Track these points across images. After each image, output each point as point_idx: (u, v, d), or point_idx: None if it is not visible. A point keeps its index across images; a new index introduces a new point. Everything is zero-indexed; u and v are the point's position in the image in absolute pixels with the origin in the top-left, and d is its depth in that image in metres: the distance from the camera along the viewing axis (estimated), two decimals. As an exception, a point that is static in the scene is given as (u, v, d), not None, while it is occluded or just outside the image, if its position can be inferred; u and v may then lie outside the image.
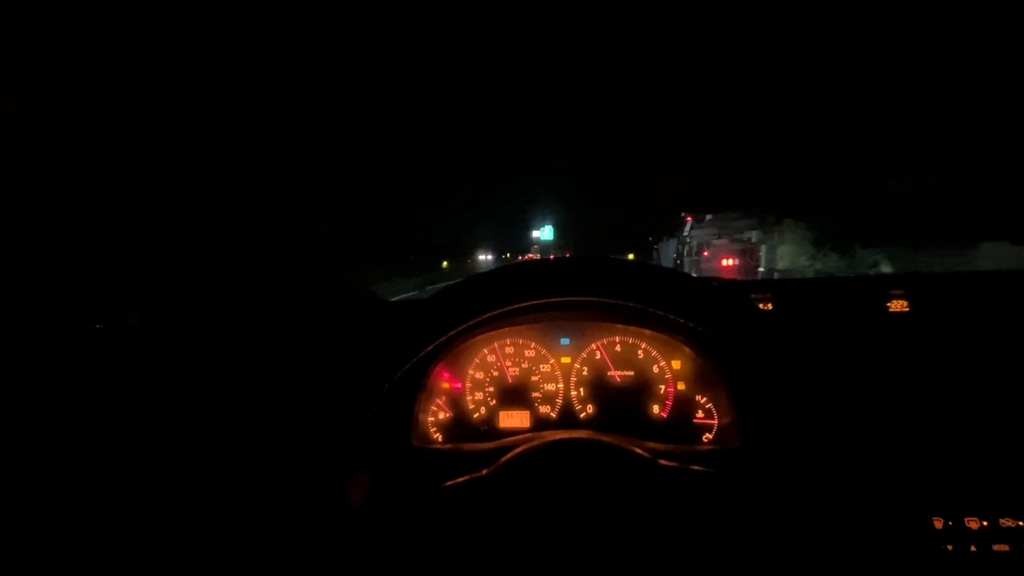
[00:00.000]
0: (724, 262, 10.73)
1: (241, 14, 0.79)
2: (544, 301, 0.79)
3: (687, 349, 0.91)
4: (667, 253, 14.29)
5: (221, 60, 0.79)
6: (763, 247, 10.94)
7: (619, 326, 0.94)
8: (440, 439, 0.94)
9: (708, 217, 12.92)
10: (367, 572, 0.66)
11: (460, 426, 0.95)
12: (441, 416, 0.95)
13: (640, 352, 0.94)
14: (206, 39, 0.77)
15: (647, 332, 0.93)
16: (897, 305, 1.03)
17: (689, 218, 13.30)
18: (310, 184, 0.93)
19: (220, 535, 0.70)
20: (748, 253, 10.74)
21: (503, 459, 0.69)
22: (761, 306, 1.05)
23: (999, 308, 0.99)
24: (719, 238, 11.54)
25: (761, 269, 10.73)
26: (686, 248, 12.55)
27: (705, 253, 11.55)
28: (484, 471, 0.69)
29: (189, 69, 0.77)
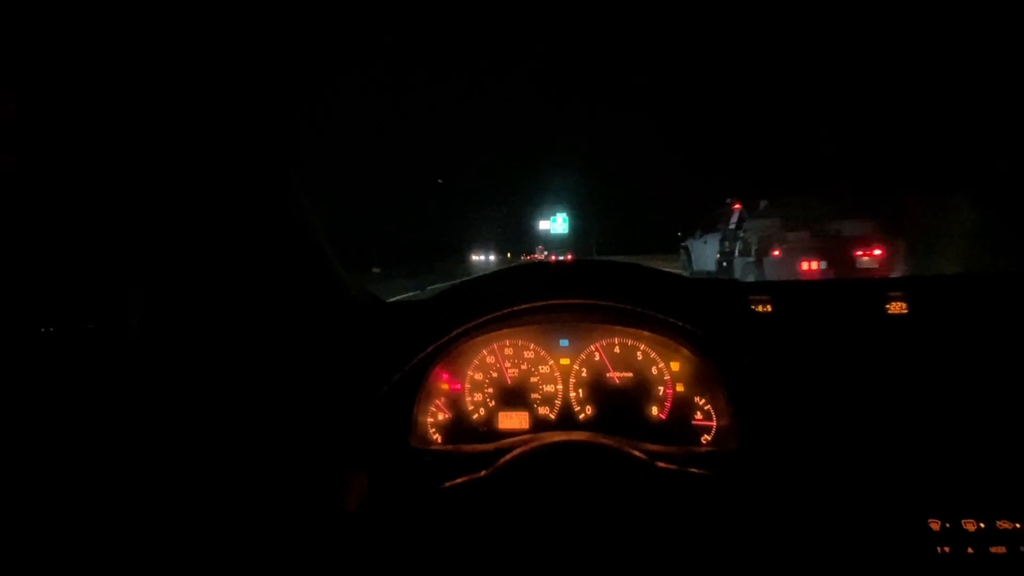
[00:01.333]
0: (806, 265, 7.34)
1: (242, 14, 0.79)
2: (543, 304, 0.80)
3: (686, 351, 0.91)
4: (702, 252, 10.45)
5: (222, 60, 0.79)
6: (902, 242, 7.01)
7: (618, 328, 0.94)
8: (439, 440, 0.94)
9: (764, 203, 8.98)
10: (366, 573, 0.66)
11: (459, 427, 0.95)
12: (440, 417, 0.95)
13: (639, 354, 0.95)
14: (206, 39, 0.77)
15: (646, 334, 0.93)
16: (896, 307, 1.03)
17: (737, 205, 9.41)
18: (309, 184, 0.93)
19: (220, 536, 0.70)
20: (841, 250, 7.21)
21: (501, 461, 0.69)
22: (760, 308, 1.05)
23: (997, 311, 0.99)
24: (795, 230, 7.89)
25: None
26: (737, 245, 8.93)
27: (775, 252, 7.87)
28: (483, 472, 0.69)
29: (189, 69, 0.77)
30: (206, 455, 0.77)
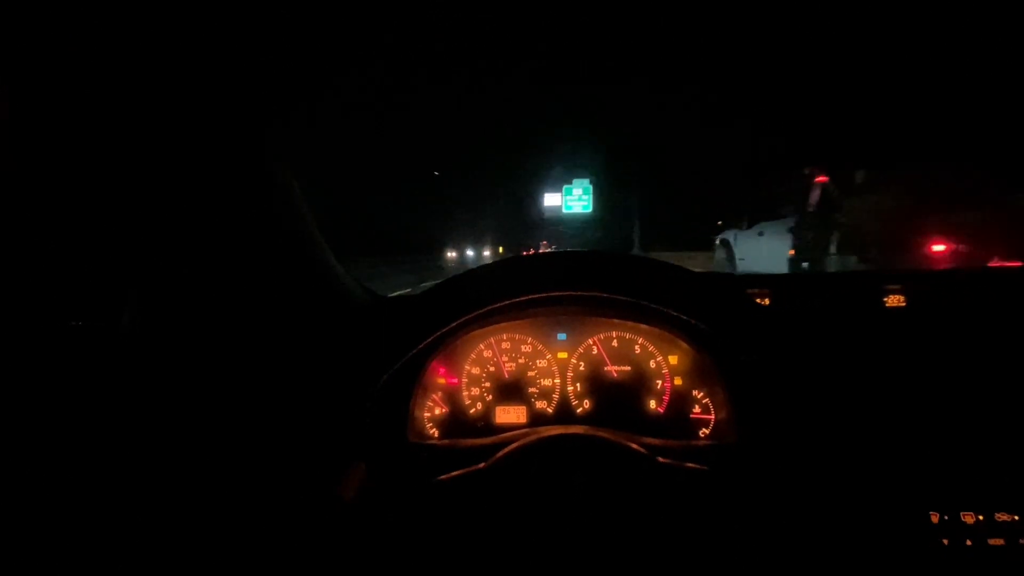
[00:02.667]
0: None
1: (236, 12, 0.78)
2: (540, 296, 0.79)
3: (684, 344, 0.90)
4: (755, 248, 7.09)
5: (215, 57, 0.78)
6: None
7: (616, 321, 0.94)
8: (436, 435, 0.93)
9: (861, 174, 6.00)
10: (363, 565, 0.66)
11: (456, 422, 0.94)
12: (437, 412, 0.94)
13: (637, 347, 0.94)
14: (199, 37, 0.76)
15: (644, 327, 0.92)
16: (894, 300, 1.03)
17: (822, 178, 6.27)
18: (306, 179, 0.92)
19: (218, 529, 0.70)
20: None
21: (499, 454, 0.69)
22: (758, 301, 1.05)
23: (995, 304, 0.99)
24: (962, 211, 4.77)
25: None
26: (834, 236, 5.89)
27: (935, 247, 4.92)
28: (481, 465, 0.69)
29: (181, 66, 0.76)
30: (205, 449, 0.77)
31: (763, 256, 6.76)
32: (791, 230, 6.30)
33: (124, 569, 0.70)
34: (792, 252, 6.23)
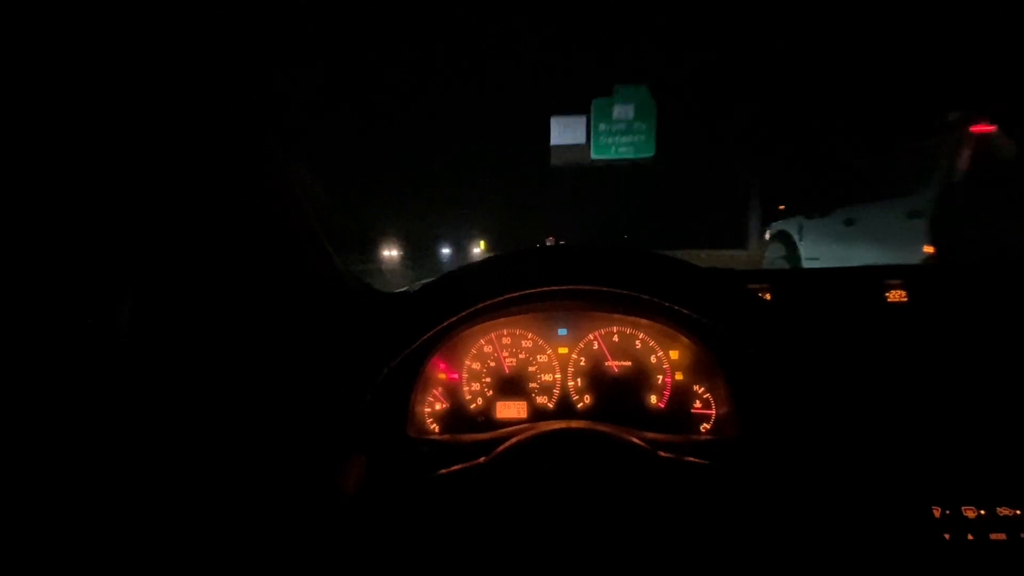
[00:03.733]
0: None
1: (230, 11, 0.78)
2: (540, 290, 0.78)
3: (685, 339, 0.90)
4: (831, 242, 4.84)
5: (210, 55, 0.78)
6: None
7: (617, 316, 0.93)
8: (437, 430, 0.93)
9: None
10: (363, 558, 0.66)
11: (457, 417, 0.94)
12: (438, 407, 0.94)
13: (638, 342, 0.94)
14: (197, 35, 0.76)
15: (645, 322, 0.92)
16: (896, 295, 1.03)
17: (983, 126, 3.41)
18: (304, 174, 0.92)
19: (217, 522, 0.70)
20: None
21: (499, 449, 0.69)
22: (759, 295, 1.05)
23: (996, 300, 0.99)
24: None
25: None
26: None
27: None
28: (480, 459, 0.69)
29: (176, 64, 0.75)
30: (203, 444, 0.77)
31: (855, 256, 4.37)
32: (913, 215, 3.86)
33: (124, 565, 0.70)
34: (930, 249, 3.74)
